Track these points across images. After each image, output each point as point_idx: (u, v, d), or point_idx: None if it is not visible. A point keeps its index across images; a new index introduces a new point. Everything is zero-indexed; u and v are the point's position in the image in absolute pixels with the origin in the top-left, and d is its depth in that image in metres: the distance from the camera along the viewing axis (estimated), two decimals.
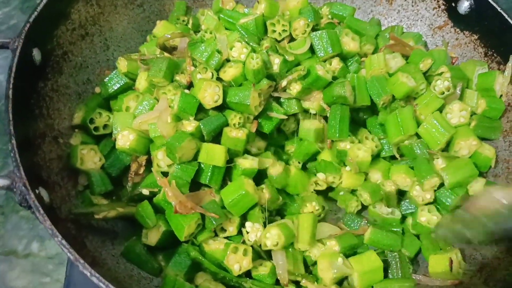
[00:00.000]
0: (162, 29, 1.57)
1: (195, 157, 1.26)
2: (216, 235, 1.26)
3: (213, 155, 1.25)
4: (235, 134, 1.30)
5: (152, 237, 1.23)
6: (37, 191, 1.05)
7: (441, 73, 1.49)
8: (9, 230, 1.52)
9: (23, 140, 1.13)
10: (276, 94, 1.41)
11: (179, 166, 1.23)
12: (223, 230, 1.27)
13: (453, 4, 1.60)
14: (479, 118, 1.46)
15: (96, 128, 1.38)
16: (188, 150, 1.23)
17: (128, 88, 1.44)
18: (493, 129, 1.47)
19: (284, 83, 1.39)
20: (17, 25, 1.98)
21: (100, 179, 1.29)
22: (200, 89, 1.29)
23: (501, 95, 1.49)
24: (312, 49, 1.48)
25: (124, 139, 1.26)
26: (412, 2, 1.70)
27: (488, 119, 1.47)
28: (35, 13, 1.26)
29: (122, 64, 1.42)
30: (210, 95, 1.29)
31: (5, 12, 2.00)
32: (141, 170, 1.28)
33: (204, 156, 1.25)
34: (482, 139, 1.46)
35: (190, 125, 1.27)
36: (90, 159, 1.31)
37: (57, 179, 1.25)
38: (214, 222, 1.21)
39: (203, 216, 1.22)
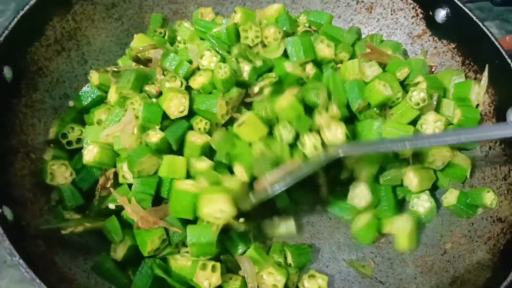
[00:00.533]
0: (138, 42, 1.58)
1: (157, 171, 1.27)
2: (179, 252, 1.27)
3: (174, 168, 1.26)
4: (194, 139, 1.30)
5: (119, 252, 1.24)
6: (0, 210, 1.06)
7: (418, 83, 1.48)
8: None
9: None
10: (249, 99, 1.41)
11: (139, 180, 1.24)
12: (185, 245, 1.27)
13: (431, 13, 1.59)
14: (455, 128, 1.45)
15: (69, 143, 1.39)
16: (148, 165, 1.24)
17: (101, 101, 1.45)
18: None
19: (256, 89, 1.39)
20: None
21: (71, 194, 1.30)
22: (166, 99, 1.30)
23: (477, 105, 1.47)
24: (286, 55, 1.48)
25: (90, 154, 1.28)
26: (391, 10, 1.69)
27: None
28: (6, 32, 1.28)
29: (94, 77, 1.43)
30: (175, 106, 1.30)
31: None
32: (109, 184, 1.29)
33: (165, 170, 1.26)
34: (459, 149, 1.46)
35: (155, 136, 1.28)
36: (61, 174, 1.32)
37: (29, 195, 1.26)
38: (175, 237, 1.21)
39: (168, 231, 1.23)
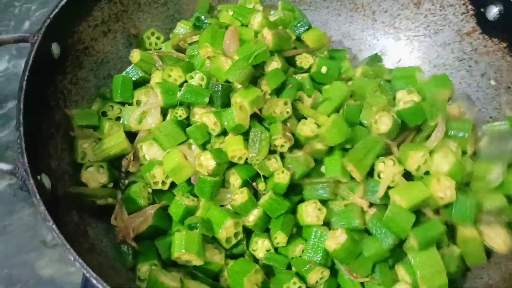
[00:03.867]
0: (180, 29, 1.58)
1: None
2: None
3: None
4: None
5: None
6: (38, 177, 1.10)
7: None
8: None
9: (34, 129, 1.19)
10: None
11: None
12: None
13: (482, 10, 1.52)
14: None
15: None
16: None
17: (143, 82, 1.48)
18: None
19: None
20: None
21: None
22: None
23: None
24: None
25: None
26: (440, 6, 1.63)
27: None
28: (56, 9, 1.32)
29: (135, 55, 1.46)
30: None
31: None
32: (130, 166, 1.32)
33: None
34: None
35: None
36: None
37: (67, 169, 1.31)
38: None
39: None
